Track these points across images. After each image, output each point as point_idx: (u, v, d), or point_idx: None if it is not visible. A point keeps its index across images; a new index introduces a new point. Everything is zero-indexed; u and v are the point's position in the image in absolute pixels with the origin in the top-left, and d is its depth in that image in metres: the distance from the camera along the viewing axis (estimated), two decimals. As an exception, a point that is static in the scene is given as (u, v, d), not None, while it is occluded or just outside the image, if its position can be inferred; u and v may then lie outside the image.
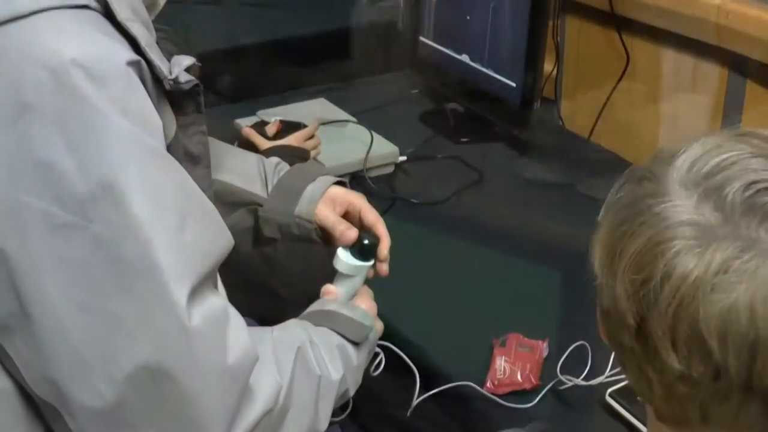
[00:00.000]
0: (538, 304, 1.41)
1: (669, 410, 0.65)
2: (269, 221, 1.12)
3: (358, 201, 1.12)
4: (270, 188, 1.12)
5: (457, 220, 1.66)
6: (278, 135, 1.68)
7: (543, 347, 1.26)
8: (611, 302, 0.64)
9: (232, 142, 1.66)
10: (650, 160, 0.66)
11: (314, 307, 1.02)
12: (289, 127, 1.69)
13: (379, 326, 1.05)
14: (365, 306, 1.04)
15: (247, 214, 1.10)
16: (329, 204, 1.11)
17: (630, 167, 0.68)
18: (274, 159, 1.17)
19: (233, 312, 0.80)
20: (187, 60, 0.81)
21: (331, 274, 1.09)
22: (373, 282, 1.11)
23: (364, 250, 1.07)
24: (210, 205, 0.80)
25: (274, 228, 1.12)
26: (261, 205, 1.11)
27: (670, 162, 0.64)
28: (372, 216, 1.12)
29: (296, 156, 1.58)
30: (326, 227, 1.10)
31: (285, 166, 1.16)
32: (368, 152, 1.76)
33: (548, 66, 1.96)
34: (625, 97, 1.96)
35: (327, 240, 1.12)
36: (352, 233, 1.07)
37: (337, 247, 1.09)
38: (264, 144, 1.62)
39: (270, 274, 1.47)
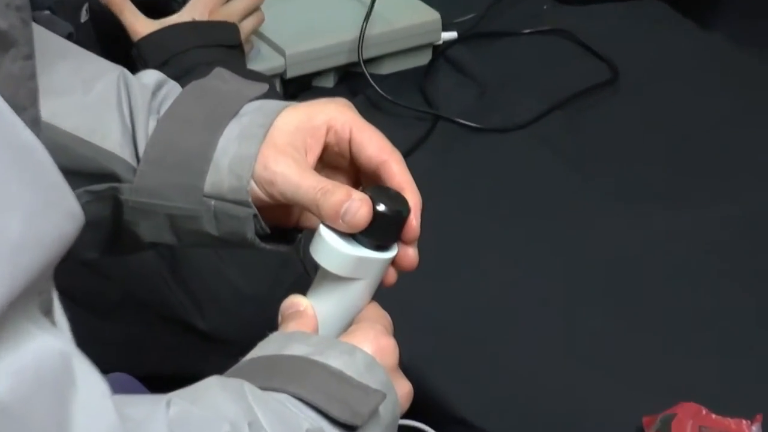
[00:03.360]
0: (735, 344, 1.43)
1: None
2: (149, 213, 1.12)
3: (340, 118, 1.11)
4: (143, 143, 1.12)
5: (561, 162, 1.68)
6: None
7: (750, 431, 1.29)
8: None
9: (77, 15, 1.73)
10: None
11: (265, 348, 1.02)
12: None
13: (403, 390, 1.05)
14: (373, 348, 1.03)
15: (93, 198, 1.10)
16: (292, 152, 1.10)
17: None
18: (153, 75, 1.17)
19: (83, 366, 0.78)
20: None
21: (298, 282, 1.18)
22: (386, 292, 1.06)
23: (378, 226, 1.03)
24: (30, 139, 0.78)
25: (162, 226, 1.13)
26: (120, 181, 1.11)
27: None
28: (375, 146, 1.10)
29: (215, 44, 1.63)
30: (300, 203, 1.09)
31: (176, 90, 1.15)
32: (365, 22, 1.78)
33: None
34: None
35: (288, 233, 1.15)
36: (364, 209, 1.04)
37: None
38: (142, 26, 1.65)
39: (174, 285, 1.52)
